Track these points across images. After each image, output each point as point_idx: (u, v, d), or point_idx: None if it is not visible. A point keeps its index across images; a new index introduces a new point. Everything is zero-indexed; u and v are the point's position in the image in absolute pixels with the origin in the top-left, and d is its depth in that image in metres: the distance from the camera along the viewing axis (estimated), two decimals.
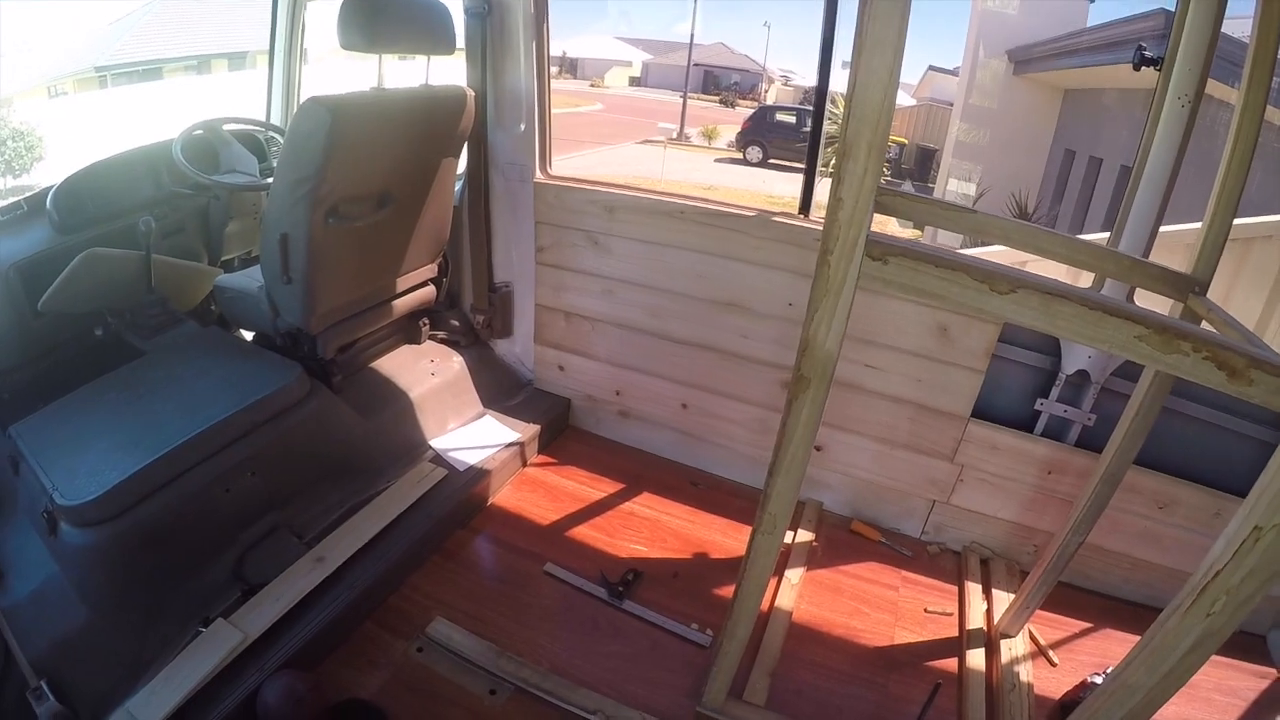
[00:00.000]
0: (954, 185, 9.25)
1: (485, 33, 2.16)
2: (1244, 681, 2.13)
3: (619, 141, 15.03)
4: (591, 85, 25.87)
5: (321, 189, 1.73)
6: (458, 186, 2.37)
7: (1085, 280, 1.87)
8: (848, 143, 0.93)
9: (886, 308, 2.07)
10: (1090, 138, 9.24)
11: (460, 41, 2.07)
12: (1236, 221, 1.42)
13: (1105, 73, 8.29)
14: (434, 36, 1.90)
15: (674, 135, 16.59)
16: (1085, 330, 0.95)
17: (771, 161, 12.99)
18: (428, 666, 1.57)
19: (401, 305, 2.27)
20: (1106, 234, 1.92)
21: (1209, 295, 1.43)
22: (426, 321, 2.45)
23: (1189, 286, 1.47)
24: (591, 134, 15.45)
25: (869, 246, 0.98)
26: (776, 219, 2.07)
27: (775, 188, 11.47)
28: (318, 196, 1.74)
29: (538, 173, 2.34)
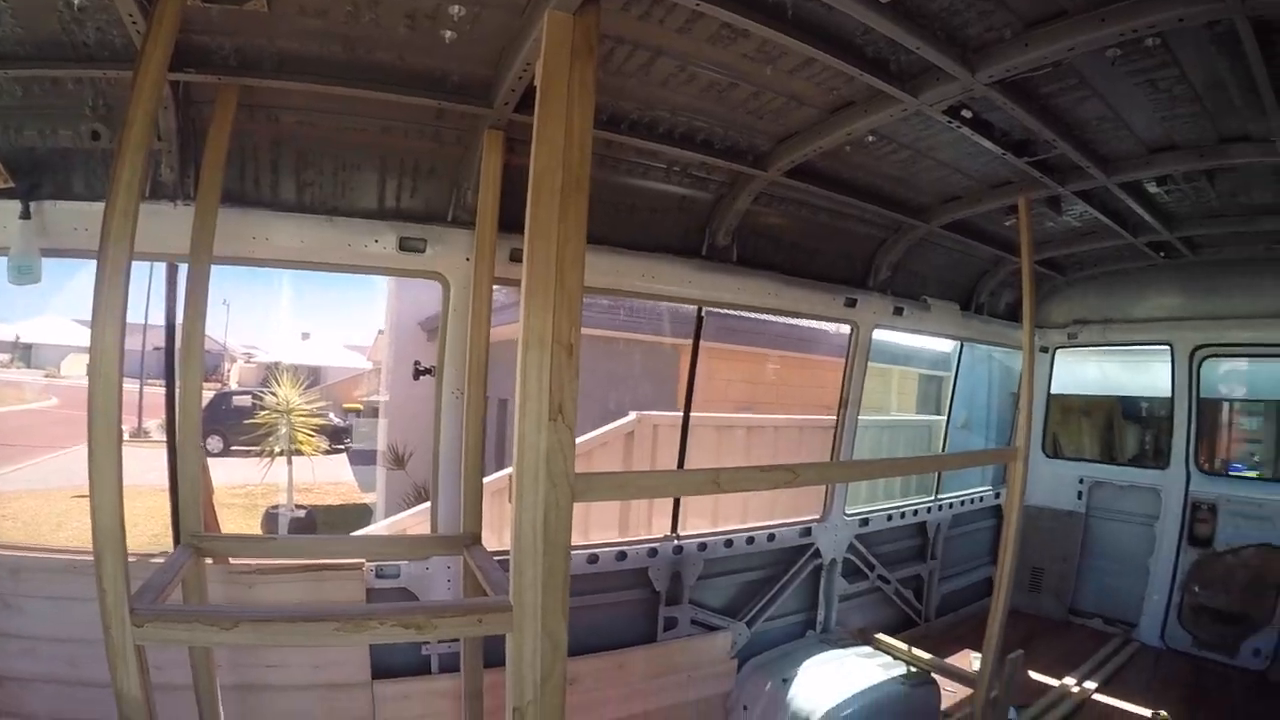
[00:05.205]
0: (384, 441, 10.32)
1: None
2: None
3: (73, 444, 11.26)
4: (45, 375, 20.23)
5: None
6: None
7: None
8: None
9: None
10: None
11: None
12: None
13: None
14: None
15: (132, 431, 13.13)
16: (295, 639, 1.51)
17: (234, 448, 12.08)
18: None
19: None
20: None
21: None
22: None
23: (464, 542, 2.35)
24: (42, 436, 12.64)
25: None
26: None
27: (233, 475, 10.67)
28: None
29: None
